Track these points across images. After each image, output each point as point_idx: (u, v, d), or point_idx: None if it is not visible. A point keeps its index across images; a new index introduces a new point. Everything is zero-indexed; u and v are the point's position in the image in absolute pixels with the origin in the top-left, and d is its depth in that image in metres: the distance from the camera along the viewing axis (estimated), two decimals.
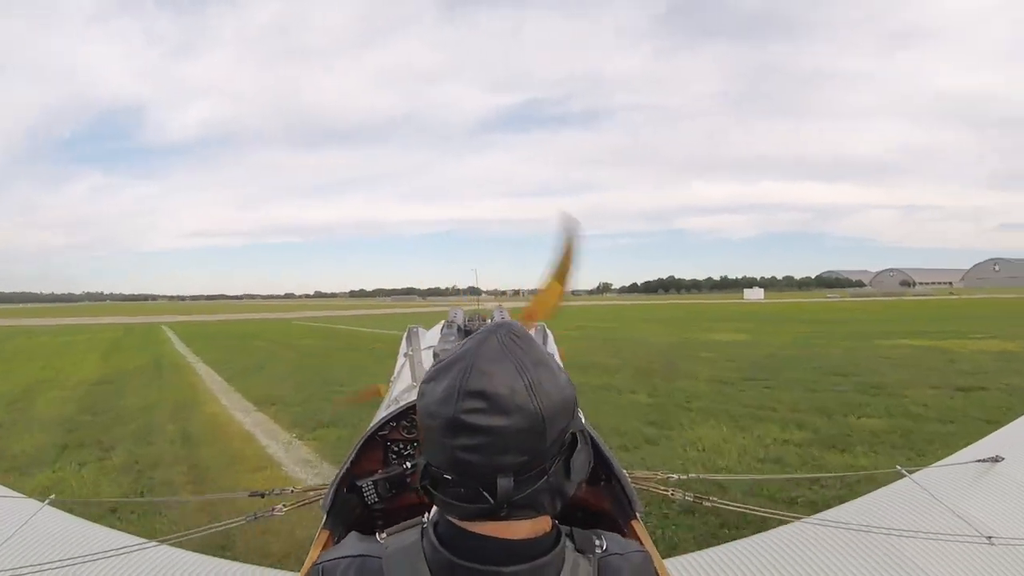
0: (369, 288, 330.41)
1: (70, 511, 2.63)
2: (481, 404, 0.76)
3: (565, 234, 2.22)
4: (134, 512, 4.94)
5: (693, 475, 2.81)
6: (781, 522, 2.32)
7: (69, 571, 1.98)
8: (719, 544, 2.32)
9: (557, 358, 2.28)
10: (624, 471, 1.83)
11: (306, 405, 9.41)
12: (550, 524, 0.85)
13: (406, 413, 2.11)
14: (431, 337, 3.44)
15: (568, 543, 0.85)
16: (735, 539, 2.36)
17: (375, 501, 1.93)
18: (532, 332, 1.88)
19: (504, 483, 0.76)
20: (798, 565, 2.01)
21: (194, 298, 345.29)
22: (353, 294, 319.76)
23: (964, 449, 2.79)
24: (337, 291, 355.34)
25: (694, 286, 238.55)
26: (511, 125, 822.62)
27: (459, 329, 2.93)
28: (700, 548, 2.40)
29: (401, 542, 0.86)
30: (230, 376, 13.19)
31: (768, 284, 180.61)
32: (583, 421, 0.89)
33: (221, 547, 3.93)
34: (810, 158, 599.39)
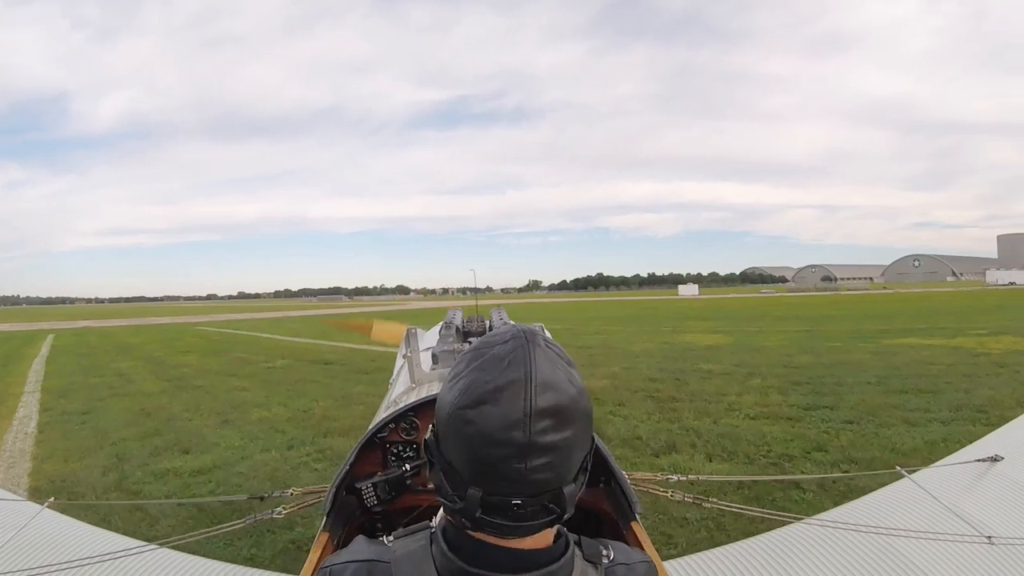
0: (295, 288, 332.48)
1: (70, 514, 2.65)
2: (550, 421, 0.76)
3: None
4: None
5: (693, 476, 2.97)
6: (781, 522, 2.33)
7: (68, 574, 2.01)
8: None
9: None
10: (623, 472, 1.86)
11: (96, 510, 5.57)
12: (562, 533, 0.87)
13: (405, 415, 2.15)
14: (430, 338, 3.46)
15: (576, 551, 0.87)
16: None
17: (374, 503, 1.96)
18: None
19: (570, 490, 0.79)
20: (798, 565, 2.02)
21: (112, 300, 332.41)
22: (278, 294, 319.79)
23: (963, 449, 2.86)
24: (261, 291, 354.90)
25: (623, 283, 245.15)
26: (440, 121, 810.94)
27: (457, 330, 3.09)
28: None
29: (409, 547, 0.87)
30: (47, 423, 9.73)
31: (694, 280, 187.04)
32: None
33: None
34: (732, 159, 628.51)
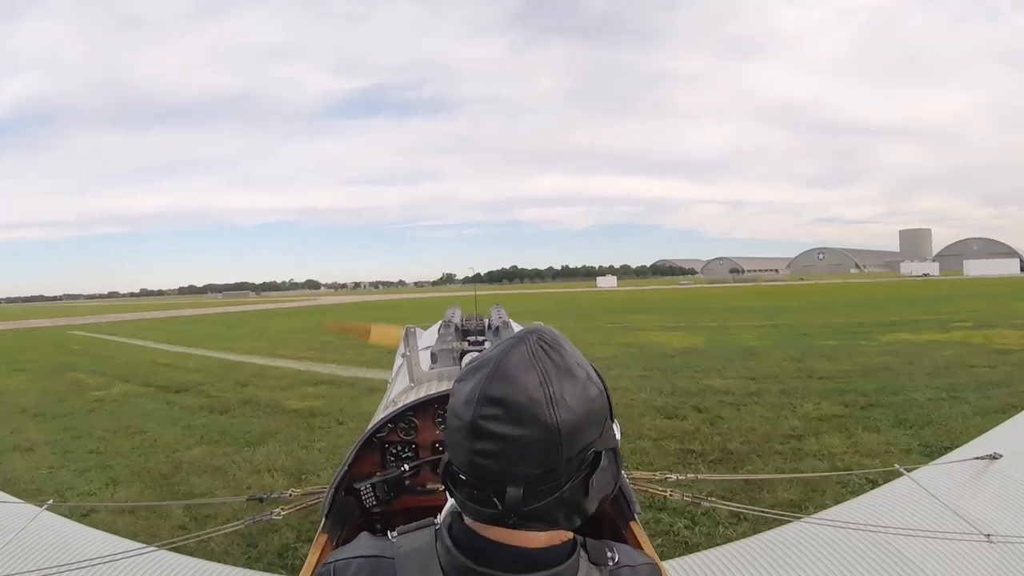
0: (200, 284, 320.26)
1: (68, 516, 2.77)
2: (498, 411, 0.79)
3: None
4: None
5: (691, 475, 2.88)
6: (780, 522, 2.36)
7: None
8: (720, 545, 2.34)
9: None
10: (622, 472, 1.71)
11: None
12: (569, 535, 0.88)
13: (403, 415, 2.18)
14: (428, 337, 3.53)
15: (582, 553, 0.89)
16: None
17: (373, 504, 1.99)
18: None
19: (513, 492, 0.79)
20: (798, 565, 2.05)
21: (10, 300, 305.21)
22: (183, 291, 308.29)
23: (962, 447, 2.92)
24: (165, 288, 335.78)
25: (537, 275, 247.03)
26: (354, 110, 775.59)
27: (456, 329, 3.09)
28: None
29: (414, 543, 0.88)
30: None
31: (607, 272, 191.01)
32: (617, 434, 0.90)
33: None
34: (645, 155, 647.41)
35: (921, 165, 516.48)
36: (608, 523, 1.86)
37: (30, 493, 6.04)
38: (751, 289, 63.02)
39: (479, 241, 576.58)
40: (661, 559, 1.48)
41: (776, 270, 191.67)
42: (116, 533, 2.73)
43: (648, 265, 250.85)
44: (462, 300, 5.21)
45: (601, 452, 0.84)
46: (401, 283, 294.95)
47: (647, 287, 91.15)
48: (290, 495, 2.52)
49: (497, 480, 0.79)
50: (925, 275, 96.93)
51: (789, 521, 2.35)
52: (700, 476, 3.82)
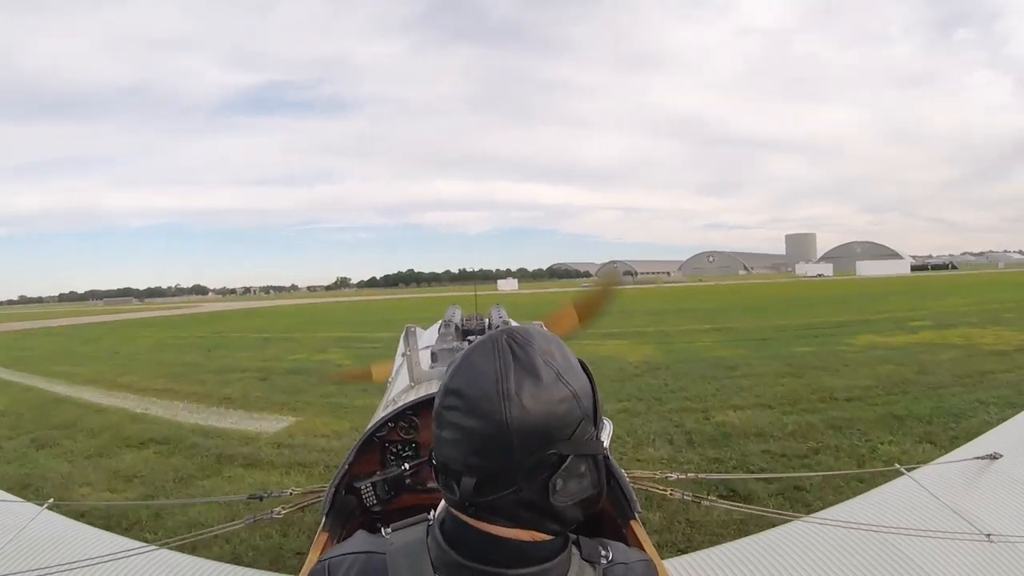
0: (81, 290, 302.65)
1: (69, 515, 2.71)
2: (456, 402, 0.82)
3: (605, 277, 2.51)
4: None
5: (691, 475, 2.94)
6: (781, 521, 2.35)
7: (69, 575, 2.02)
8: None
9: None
10: (622, 471, 1.87)
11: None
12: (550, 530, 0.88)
13: (403, 414, 2.20)
14: (429, 337, 3.61)
15: (574, 550, 0.89)
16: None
17: (374, 503, 1.98)
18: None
19: (467, 482, 0.80)
20: (798, 564, 2.03)
21: None
22: (63, 297, 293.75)
23: (962, 447, 2.90)
24: (45, 294, 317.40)
25: (435, 279, 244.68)
26: (249, 108, 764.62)
27: (457, 328, 3.16)
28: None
29: (406, 538, 0.89)
30: None
31: (505, 275, 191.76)
32: (606, 441, 0.88)
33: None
34: (543, 162, 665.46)
35: (805, 176, 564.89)
36: (608, 522, 1.85)
37: None
38: (653, 291, 63.61)
39: (374, 244, 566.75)
40: (661, 558, 1.50)
41: (668, 272, 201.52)
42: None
43: (544, 268, 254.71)
44: (458, 300, 4.65)
45: (567, 456, 0.81)
46: (293, 288, 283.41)
47: (550, 289, 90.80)
48: (290, 493, 2.56)
49: (455, 468, 0.82)
50: (819, 275, 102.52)
51: (789, 520, 2.34)
52: (700, 475, 3.85)
